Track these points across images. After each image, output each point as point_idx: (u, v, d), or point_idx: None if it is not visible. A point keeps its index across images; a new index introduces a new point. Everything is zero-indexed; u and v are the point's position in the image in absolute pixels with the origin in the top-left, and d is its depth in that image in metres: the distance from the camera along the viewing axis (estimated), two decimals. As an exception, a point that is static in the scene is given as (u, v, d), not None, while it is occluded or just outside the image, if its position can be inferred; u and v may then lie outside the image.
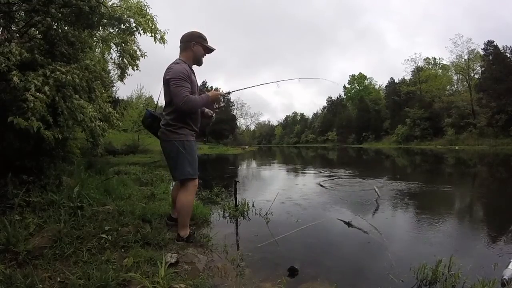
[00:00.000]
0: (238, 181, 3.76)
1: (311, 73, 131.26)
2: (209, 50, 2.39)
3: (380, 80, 64.32)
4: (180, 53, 2.34)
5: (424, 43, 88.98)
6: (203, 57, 2.39)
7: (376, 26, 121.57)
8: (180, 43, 2.34)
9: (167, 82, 2.16)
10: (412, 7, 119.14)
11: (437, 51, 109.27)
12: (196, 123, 2.35)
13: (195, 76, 2.38)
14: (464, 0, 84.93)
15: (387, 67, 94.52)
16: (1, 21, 2.97)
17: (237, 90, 2.83)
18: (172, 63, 2.24)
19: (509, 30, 53.32)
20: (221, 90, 2.66)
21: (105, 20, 3.50)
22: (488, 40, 32.51)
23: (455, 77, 44.34)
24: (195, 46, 2.30)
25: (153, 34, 4.06)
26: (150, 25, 3.99)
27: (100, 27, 3.71)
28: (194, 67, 2.40)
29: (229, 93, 2.55)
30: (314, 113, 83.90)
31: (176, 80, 2.10)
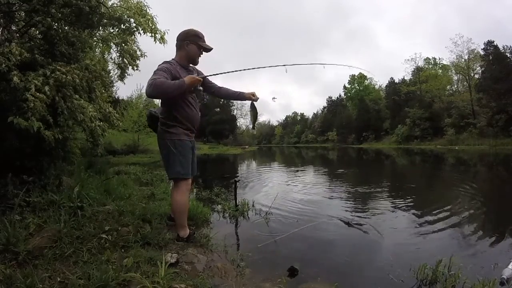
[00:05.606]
0: (238, 181, 3.76)
1: (308, 74, 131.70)
2: (205, 49, 2.31)
3: (375, 80, 64.25)
4: (176, 52, 2.30)
5: (417, 43, 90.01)
6: (199, 56, 2.32)
7: (368, 27, 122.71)
8: (176, 41, 2.30)
9: None
10: (403, 7, 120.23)
11: (431, 50, 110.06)
12: (190, 121, 2.26)
13: (194, 74, 2.32)
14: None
15: (381, 67, 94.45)
16: (1, 21, 2.97)
17: (219, 74, 2.53)
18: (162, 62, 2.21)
19: (502, 29, 53.50)
20: (253, 92, 2.53)
21: (105, 20, 3.51)
22: (488, 40, 32.44)
23: (455, 77, 44.30)
24: (188, 45, 2.24)
25: (153, 34, 4.07)
26: (150, 25, 3.99)
27: (100, 27, 3.71)
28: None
29: (207, 76, 2.37)
30: (314, 113, 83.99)
31: (153, 73, 2.08)
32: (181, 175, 2.22)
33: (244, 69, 2.64)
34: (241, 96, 2.52)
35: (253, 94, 2.45)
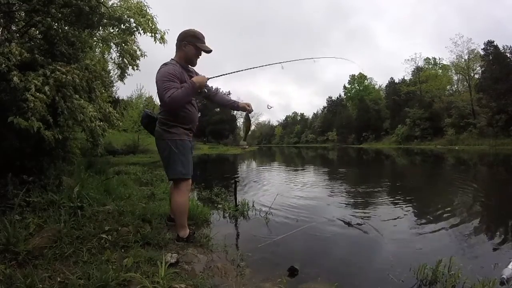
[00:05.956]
0: (238, 181, 3.76)
1: (307, 74, 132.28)
2: (203, 51, 2.27)
3: (375, 80, 64.40)
4: (175, 53, 2.28)
5: (417, 43, 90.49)
6: (197, 57, 2.28)
7: (368, 27, 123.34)
8: (176, 41, 2.27)
9: (156, 84, 2.13)
10: (402, 7, 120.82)
11: (431, 50, 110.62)
12: (190, 121, 2.27)
13: (192, 76, 2.30)
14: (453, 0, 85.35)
15: (381, 67, 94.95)
16: (1, 21, 2.98)
17: (218, 76, 2.58)
18: (162, 64, 2.18)
19: (502, 29, 53.49)
20: (248, 102, 2.43)
21: (105, 20, 3.51)
22: (488, 40, 32.43)
23: (455, 77, 44.31)
24: (186, 46, 2.21)
25: (153, 34, 4.07)
26: (150, 25, 4.00)
27: (100, 27, 3.71)
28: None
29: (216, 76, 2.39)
30: (314, 113, 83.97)
31: (162, 81, 2.06)
32: (183, 175, 2.21)
33: (240, 70, 2.66)
34: (235, 105, 2.48)
35: (248, 105, 2.39)
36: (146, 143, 15.89)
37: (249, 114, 2.44)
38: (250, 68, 2.73)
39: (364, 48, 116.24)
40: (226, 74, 2.63)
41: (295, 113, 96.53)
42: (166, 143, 2.19)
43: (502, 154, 16.71)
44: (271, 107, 2.95)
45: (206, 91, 2.34)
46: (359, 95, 59.08)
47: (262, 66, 2.72)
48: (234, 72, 2.70)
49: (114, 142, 13.19)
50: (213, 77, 2.45)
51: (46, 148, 3.09)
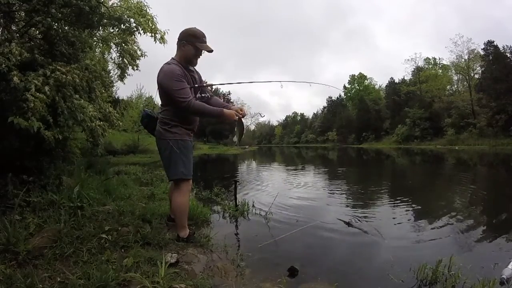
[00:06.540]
0: (238, 181, 3.76)
1: (306, 74, 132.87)
2: (201, 51, 2.21)
3: (375, 80, 64.52)
4: (176, 52, 2.25)
5: (417, 43, 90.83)
6: (196, 57, 2.23)
7: (367, 27, 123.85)
8: (176, 40, 2.24)
9: (160, 84, 2.12)
10: (401, 7, 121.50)
11: (431, 50, 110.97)
12: (192, 121, 2.27)
13: (194, 76, 2.31)
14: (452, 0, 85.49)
15: (381, 67, 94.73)
16: (1, 21, 2.98)
17: (224, 84, 2.71)
18: (164, 64, 2.16)
19: (502, 29, 53.48)
20: (241, 107, 2.37)
21: (105, 20, 3.51)
22: (488, 40, 32.55)
23: (455, 77, 44.34)
24: (185, 46, 2.16)
25: (153, 34, 4.08)
26: (150, 25, 4.00)
27: (100, 27, 3.71)
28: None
29: (213, 84, 2.47)
30: (314, 113, 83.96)
31: (172, 81, 2.04)
32: (184, 176, 2.20)
33: (243, 82, 3.15)
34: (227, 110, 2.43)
35: (241, 109, 2.33)
36: (146, 143, 15.90)
37: (244, 118, 2.41)
38: (255, 82, 2.82)
39: (363, 48, 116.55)
40: (228, 83, 2.69)
41: (295, 113, 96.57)
42: (167, 142, 2.18)
43: (502, 154, 16.71)
44: (263, 115, 2.98)
45: (209, 96, 2.36)
46: (359, 95, 59.08)
47: (265, 82, 2.82)
48: (242, 82, 2.83)
49: (114, 142, 13.19)
50: (215, 84, 2.50)
51: (46, 148, 3.09)
